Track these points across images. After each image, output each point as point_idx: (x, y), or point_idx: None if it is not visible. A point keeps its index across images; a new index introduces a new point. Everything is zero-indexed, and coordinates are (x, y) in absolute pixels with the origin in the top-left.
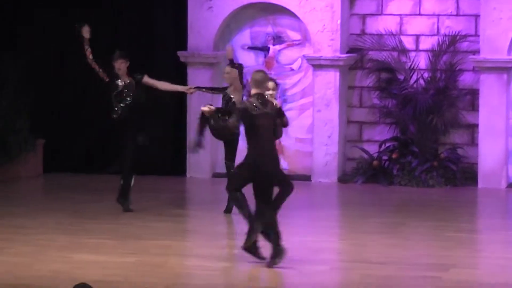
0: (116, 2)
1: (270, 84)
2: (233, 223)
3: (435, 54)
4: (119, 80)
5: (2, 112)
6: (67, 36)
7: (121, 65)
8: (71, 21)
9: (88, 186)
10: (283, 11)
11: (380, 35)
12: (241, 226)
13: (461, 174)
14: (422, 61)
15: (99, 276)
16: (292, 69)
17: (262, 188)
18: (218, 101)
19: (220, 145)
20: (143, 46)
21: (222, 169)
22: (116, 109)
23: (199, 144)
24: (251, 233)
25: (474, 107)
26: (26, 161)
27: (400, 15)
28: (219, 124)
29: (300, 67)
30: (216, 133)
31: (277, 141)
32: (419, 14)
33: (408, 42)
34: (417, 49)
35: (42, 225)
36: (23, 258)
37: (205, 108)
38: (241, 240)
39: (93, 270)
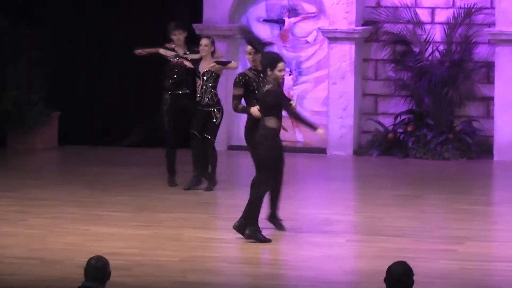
0: None
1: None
2: (244, 196)
3: (451, 26)
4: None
5: (18, 83)
6: (85, 7)
7: (180, 36)
8: None
9: (103, 158)
10: None
11: (395, 8)
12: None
13: (476, 146)
14: (437, 33)
15: (114, 249)
16: (307, 42)
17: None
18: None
19: (236, 117)
20: (158, 19)
21: (237, 141)
22: (170, 81)
23: None
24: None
25: (489, 79)
26: (41, 132)
27: None
28: None
29: (315, 39)
30: None
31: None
32: None
33: (424, 15)
34: (432, 22)
35: (57, 198)
36: (37, 230)
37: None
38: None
39: (108, 242)
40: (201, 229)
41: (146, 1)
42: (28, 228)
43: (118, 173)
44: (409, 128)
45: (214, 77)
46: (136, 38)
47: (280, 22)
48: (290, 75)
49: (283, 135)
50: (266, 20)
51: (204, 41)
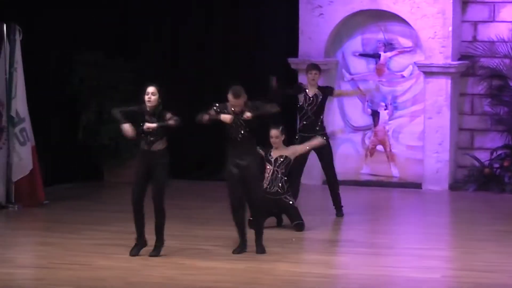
0: (228, 7)
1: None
2: (341, 230)
3: None
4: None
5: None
6: (178, 42)
7: (315, 76)
8: (183, 27)
9: (198, 192)
10: (394, 17)
11: (491, 42)
12: (349, 233)
13: None
14: None
15: (209, 283)
16: (403, 76)
17: None
18: None
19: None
20: (254, 51)
21: None
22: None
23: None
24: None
25: None
26: (133, 167)
27: None
28: None
29: (411, 74)
30: None
31: (387, 149)
32: None
33: None
34: None
35: (151, 231)
36: (133, 264)
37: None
38: (349, 247)
39: (203, 276)
40: (295, 263)
41: (242, 35)
42: (124, 262)
43: (213, 207)
44: (506, 163)
45: (286, 162)
46: (231, 72)
47: (376, 56)
48: (385, 109)
49: (378, 169)
50: (362, 55)
51: (273, 133)
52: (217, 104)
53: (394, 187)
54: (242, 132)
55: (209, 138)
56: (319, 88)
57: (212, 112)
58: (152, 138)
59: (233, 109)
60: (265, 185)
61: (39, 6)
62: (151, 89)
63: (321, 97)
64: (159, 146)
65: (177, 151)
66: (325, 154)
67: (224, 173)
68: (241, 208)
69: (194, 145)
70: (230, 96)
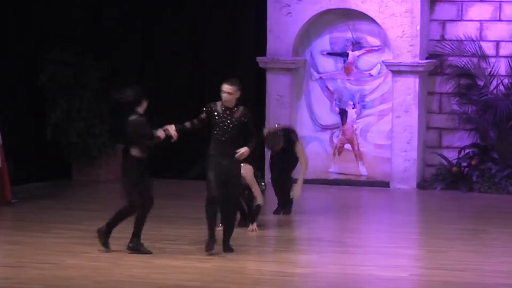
0: (198, 6)
1: None
2: (309, 229)
3: None
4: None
5: (83, 115)
6: (149, 40)
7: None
8: (154, 27)
9: (167, 191)
10: (362, 16)
11: (459, 41)
12: (317, 232)
13: None
14: (502, 67)
15: (178, 281)
16: (371, 75)
17: None
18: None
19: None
20: (224, 51)
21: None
22: None
23: None
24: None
25: None
26: (106, 164)
27: (480, 21)
28: None
29: (379, 72)
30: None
31: (355, 148)
32: (499, 20)
33: (488, 48)
34: (497, 55)
35: (121, 230)
36: (102, 262)
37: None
38: (318, 246)
39: (172, 275)
40: (263, 262)
41: (212, 34)
42: (92, 261)
43: (182, 206)
44: (474, 162)
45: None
46: (201, 71)
47: (344, 55)
48: (353, 108)
49: (346, 168)
50: (330, 53)
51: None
52: (204, 108)
53: (362, 185)
54: (229, 131)
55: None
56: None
57: (202, 115)
58: None
59: (224, 106)
60: None
61: (9, 3)
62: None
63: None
64: None
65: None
66: None
67: (206, 170)
68: (216, 205)
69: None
70: (226, 86)
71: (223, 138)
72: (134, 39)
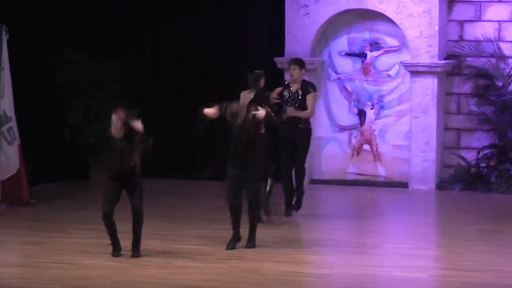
0: (213, 7)
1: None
2: (327, 229)
3: None
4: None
5: (99, 116)
6: (163, 41)
7: (293, 71)
8: (168, 27)
9: (181, 191)
10: (380, 17)
11: (478, 42)
12: (335, 233)
13: None
14: None
15: (195, 282)
16: (389, 75)
17: None
18: None
19: (315, 152)
20: (241, 51)
21: (318, 175)
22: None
23: None
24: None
25: None
26: None
27: (498, 21)
28: None
29: (397, 73)
30: None
31: (374, 148)
32: None
33: (507, 48)
34: None
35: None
36: (119, 263)
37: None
38: (336, 246)
39: (189, 275)
40: (281, 262)
41: (229, 35)
42: (110, 261)
43: (197, 206)
44: (492, 163)
45: None
46: (217, 71)
47: (362, 55)
48: (372, 109)
49: (364, 168)
50: (348, 54)
51: None
52: (226, 103)
53: (380, 186)
54: (250, 132)
55: (190, 138)
56: (302, 83)
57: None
58: None
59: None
60: None
61: (24, 6)
62: None
63: (301, 93)
64: None
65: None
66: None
67: (225, 173)
68: (240, 206)
69: (175, 144)
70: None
71: (244, 138)
72: (147, 39)
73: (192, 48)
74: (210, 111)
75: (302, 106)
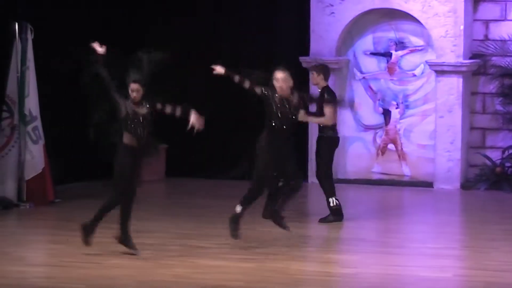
0: (238, 6)
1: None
2: (352, 229)
3: None
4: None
5: None
6: (189, 39)
7: (311, 77)
8: (192, 26)
9: (209, 190)
10: (406, 16)
11: (503, 41)
12: (360, 232)
13: None
14: None
15: (220, 281)
16: (414, 75)
17: None
18: None
19: (340, 152)
20: (266, 51)
21: (343, 175)
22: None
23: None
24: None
25: None
26: (149, 165)
27: None
28: None
29: (422, 72)
30: None
31: (399, 148)
32: None
33: None
34: None
35: (164, 230)
36: (145, 262)
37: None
38: (361, 246)
39: (215, 275)
40: (306, 262)
41: (254, 34)
42: (135, 260)
43: (224, 206)
44: None
45: None
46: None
47: (387, 55)
48: (397, 108)
49: (389, 168)
50: (373, 53)
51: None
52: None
53: (405, 186)
54: (288, 119)
55: (217, 137)
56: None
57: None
58: None
59: (280, 94)
60: None
61: (50, 5)
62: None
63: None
64: None
65: (187, 151)
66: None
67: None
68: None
69: (204, 144)
70: (279, 74)
71: (284, 127)
72: (170, 38)
73: (218, 47)
74: (221, 70)
75: (319, 112)
